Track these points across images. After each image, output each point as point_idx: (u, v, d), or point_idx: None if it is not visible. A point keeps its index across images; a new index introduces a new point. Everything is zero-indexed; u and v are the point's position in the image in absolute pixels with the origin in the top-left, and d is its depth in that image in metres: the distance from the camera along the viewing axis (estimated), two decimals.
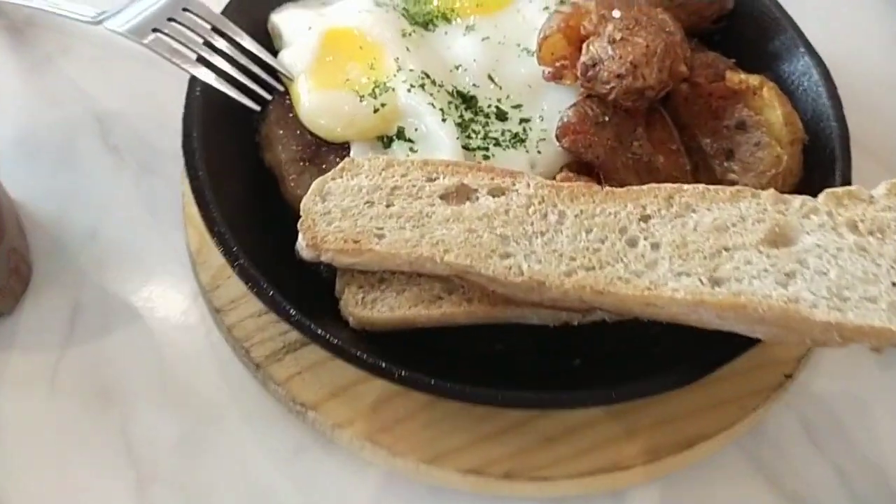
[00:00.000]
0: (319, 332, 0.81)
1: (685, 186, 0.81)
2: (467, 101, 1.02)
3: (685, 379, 0.82)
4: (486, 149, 0.98)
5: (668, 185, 0.82)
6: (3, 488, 0.91)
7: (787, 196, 0.80)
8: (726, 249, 0.77)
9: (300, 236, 0.86)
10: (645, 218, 0.81)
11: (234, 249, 0.86)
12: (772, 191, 0.80)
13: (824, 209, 0.78)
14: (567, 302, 0.79)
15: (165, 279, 1.06)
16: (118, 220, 1.12)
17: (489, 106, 1.02)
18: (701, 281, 0.75)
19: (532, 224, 0.82)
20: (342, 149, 0.99)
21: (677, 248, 0.77)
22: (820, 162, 0.98)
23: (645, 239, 0.79)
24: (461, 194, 0.87)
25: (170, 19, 1.01)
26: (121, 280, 1.06)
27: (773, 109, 0.96)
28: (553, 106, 1.02)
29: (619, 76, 0.94)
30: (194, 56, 0.99)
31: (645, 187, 0.82)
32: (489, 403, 0.82)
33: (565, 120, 0.97)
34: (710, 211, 0.80)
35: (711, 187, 0.81)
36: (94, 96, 1.25)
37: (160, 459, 0.93)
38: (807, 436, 0.97)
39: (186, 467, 0.92)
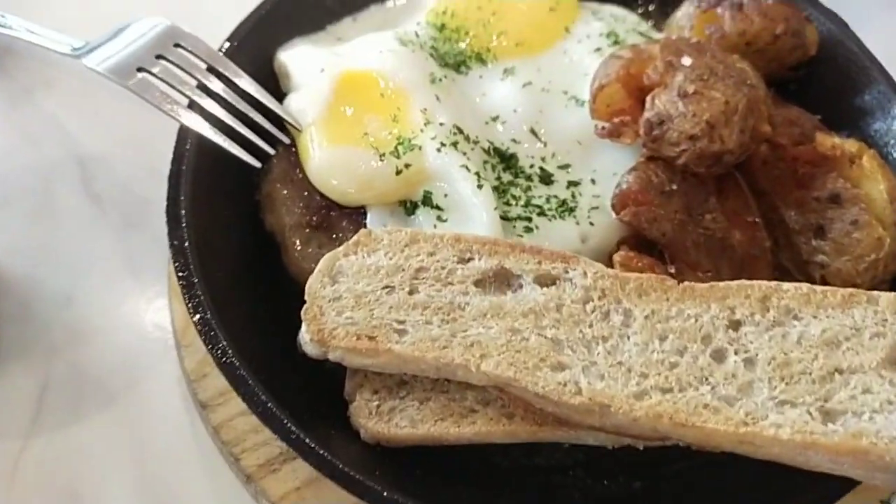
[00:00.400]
0: (322, 453, 0.66)
1: (784, 286, 0.66)
2: (506, 160, 0.88)
3: None
4: (529, 219, 0.84)
5: (763, 283, 0.67)
6: None
7: None
8: (839, 372, 0.61)
9: (303, 327, 0.71)
10: (734, 324, 0.65)
11: (221, 343, 0.72)
12: (893, 295, 0.64)
13: None
14: (635, 430, 0.63)
15: (147, 358, 0.94)
16: (97, 284, 1.00)
17: (531, 166, 0.88)
18: (810, 413, 0.59)
19: (591, 326, 0.67)
20: (357, 214, 0.86)
21: (778, 368, 0.62)
22: None
23: (736, 353, 0.64)
24: (501, 281, 0.72)
25: (158, 56, 0.87)
26: (96, 357, 0.94)
27: (875, 183, 0.81)
28: (608, 167, 0.89)
29: (691, 137, 0.80)
30: (185, 101, 0.85)
31: (734, 284, 0.67)
32: None
33: (624, 187, 0.82)
34: (817, 319, 0.64)
35: (818, 288, 0.66)
36: (76, 137, 1.13)
37: None
38: None
39: None
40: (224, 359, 0.71)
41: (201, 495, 0.84)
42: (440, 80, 0.89)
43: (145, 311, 0.96)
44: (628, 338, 0.66)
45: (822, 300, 0.65)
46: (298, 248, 0.84)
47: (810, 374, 0.61)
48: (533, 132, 0.90)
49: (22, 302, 0.96)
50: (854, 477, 0.61)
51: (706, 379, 0.62)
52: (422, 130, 0.83)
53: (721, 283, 0.68)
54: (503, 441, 0.70)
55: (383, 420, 0.70)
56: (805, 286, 0.66)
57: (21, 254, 1.00)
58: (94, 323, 0.95)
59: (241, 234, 0.88)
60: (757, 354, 0.63)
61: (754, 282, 0.67)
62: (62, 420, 0.89)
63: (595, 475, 0.75)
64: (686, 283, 0.69)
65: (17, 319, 0.95)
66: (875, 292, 0.65)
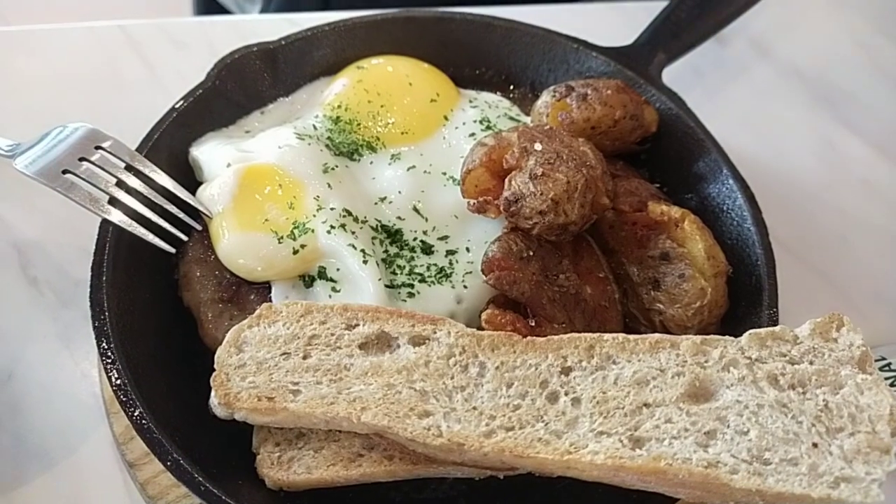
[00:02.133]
0: (226, 500, 0.78)
1: (605, 336, 0.80)
2: (392, 234, 1.01)
3: None
4: (412, 285, 0.97)
5: (589, 336, 0.81)
6: None
7: (706, 344, 0.79)
8: (647, 406, 0.75)
9: (213, 393, 0.82)
10: (566, 370, 0.79)
11: (137, 410, 0.83)
12: (691, 340, 0.79)
13: (744, 361, 0.77)
14: (487, 463, 0.77)
15: (83, 424, 1.03)
16: (35, 359, 1.08)
17: (415, 239, 1.01)
18: (621, 441, 0.73)
19: (452, 378, 0.80)
20: (263, 288, 0.97)
21: (598, 405, 0.76)
22: (746, 291, 0.99)
23: (566, 394, 0.77)
24: (381, 343, 0.85)
25: (81, 158, 0.98)
26: (36, 426, 1.02)
27: (695, 242, 0.96)
28: (479, 237, 1.02)
29: (540, 213, 0.94)
30: (106, 197, 0.96)
31: (566, 337, 0.81)
32: None
33: (489, 255, 0.95)
34: (630, 363, 0.78)
35: (632, 337, 0.80)
36: (13, 225, 1.22)
37: None
38: None
39: None
40: (141, 423, 0.82)
41: None
42: (333, 168, 1.03)
43: (80, 383, 1.05)
44: (482, 386, 0.79)
45: (635, 346, 0.79)
46: (212, 320, 0.95)
47: (623, 408, 0.75)
48: (416, 209, 1.03)
49: None
50: (664, 493, 0.75)
51: (541, 417, 0.76)
52: (314, 215, 0.96)
53: (556, 336, 0.82)
54: (386, 479, 0.82)
55: (283, 468, 0.82)
56: (621, 336, 0.80)
57: None
58: (33, 395, 1.03)
59: (162, 310, 0.98)
60: (582, 395, 0.77)
61: (582, 334, 0.81)
62: (6, 485, 0.96)
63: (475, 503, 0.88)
64: (529, 337, 0.82)
65: None
66: (678, 337, 0.80)
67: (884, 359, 1.10)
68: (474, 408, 0.77)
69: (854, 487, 0.68)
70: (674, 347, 0.79)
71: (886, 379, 1.08)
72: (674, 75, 1.22)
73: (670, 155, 1.14)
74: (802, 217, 1.30)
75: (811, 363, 0.76)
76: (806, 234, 1.27)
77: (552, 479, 0.83)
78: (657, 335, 0.80)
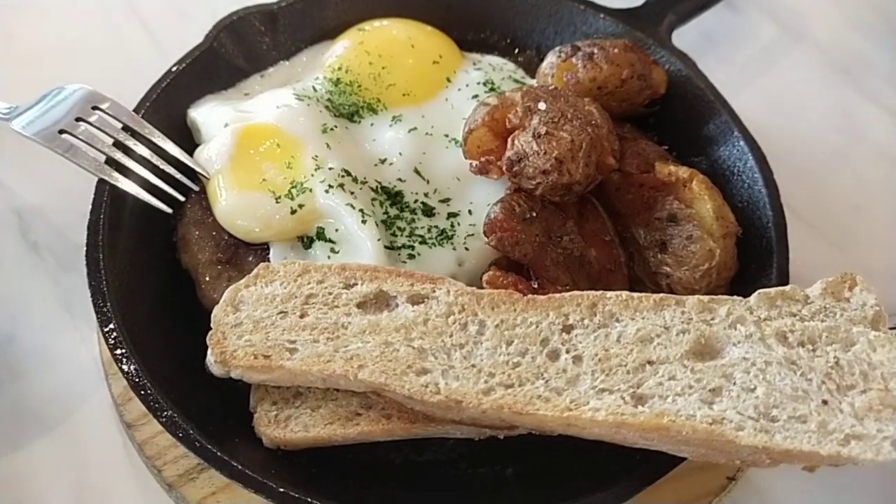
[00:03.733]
0: (224, 458, 0.77)
1: (609, 294, 0.78)
2: (392, 196, 0.99)
3: (622, 495, 0.77)
4: (412, 247, 0.95)
5: (592, 293, 0.79)
6: None
7: (713, 302, 0.76)
8: (650, 363, 0.73)
9: (210, 352, 0.81)
10: (567, 328, 0.77)
11: (133, 369, 0.81)
12: (697, 298, 0.77)
13: (752, 318, 0.75)
14: (486, 421, 0.75)
15: (83, 387, 1.02)
16: (36, 323, 1.08)
17: (415, 201, 1.00)
18: (623, 399, 0.71)
19: (451, 336, 0.78)
20: (261, 250, 0.96)
21: (600, 362, 0.74)
22: (756, 253, 0.96)
23: (567, 352, 0.76)
24: (380, 302, 0.83)
25: (79, 119, 0.97)
26: (36, 389, 1.02)
27: (703, 203, 0.94)
28: (482, 199, 1.00)
29: (544, 172, 0.92)
30: (103, 158, 0.95)
31: (567, 295, 0.79)
32: None
33: (492, 216, 0.93)
34: (633, 321, 0.76)
35: (635, 295, 0.78)
36: (14, 190, 1.21)
37: None
38: None
39: None
40: (135, 379, 0.81)
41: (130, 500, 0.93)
42: (332, 129, 1.01)
43: (80, 346, 1.04)
44: (481, 344, 0.77)
45: (639, 304, 0.77)
46: (210, 282, 0.94)
47: (625, 366, 0.73)
48: (417, 171, 1.01)
49: None
50: (666, 451, 0.73)
51: (542, 374, 0.74)
52: (312, 175, 0.94)
53: (558, 295, 0.80)
54: (384, 438, 0.81)
55: (280, 427, 0.81)
56: (625, 294, 0.78)
57: None
58: (33, 359, 1.04)
59: (159, 272, 0.97)
60: (584, 352, 0.75)
61: (585, 292, 0.79)
62: (6, 446, 0.97)
63: (475, 465, 0.86)
64: (530, 295, 0.81)
65: None
66: (683, 296, 0.78)
67: None
68: (473, 365, 0.76)
69: (865, 445, 0.65)
70: (679, 305, 0.77)
71: None
72: (685, 42, 1.19)
73: (680, 118, 1.12)
74: (815, 185, 1.27)
75: (822, 321, 0.73)
76: (819, 201, 1.24)
77: (553, 439, 0.81)
78: (661, 294, 0.78)
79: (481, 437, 0.81)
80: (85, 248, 0.91)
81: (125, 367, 0.82)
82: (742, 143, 1.04)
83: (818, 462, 0.67)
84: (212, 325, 0.83)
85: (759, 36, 1.47)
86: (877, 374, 0.69)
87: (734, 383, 0.71)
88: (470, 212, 1.00)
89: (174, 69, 1.06)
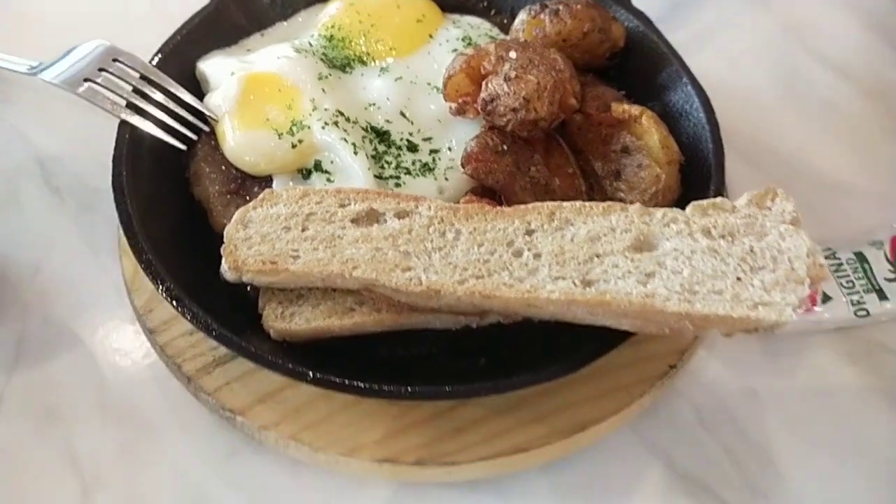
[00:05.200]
0: (237, 341, 0.90)
1: (565, 204, 0.91)
2: (381, 135, 1.12)
3: (565, 369, 0.91)
4: (398, 178, 1.08)
5: (551, 203, 0.92)
6: None
7: (651, 209, 0.90)
8: (598, 256, 0.87)
9: (223, 260, 0.94)
10: (530, 232, 0.90)
11: (161, 273, 0.94)
12: (638, 205, 0.90)
13: (683, 219, 0.88)
14: (461, 307, 0.89)
15: (104, 307, 1.15)
16: (60, 256, 1.20)
17: (401, 139, 1.12)
18: (574, 283, 0.84)
19: (431, 241, 0.91)
20: (266, 181, 1.09)
21: (556, 257, 0.87)
22: (698, 179, 1.09)
23: (528, 250, 0.89)
24: (370, 218, 0.96)
25: (101, 69, 1.10)
26: (63, 310, 1.15)
27: (651, 135, 1.07)
28: (460, 137, 1.12)
29: (513, 110, 1.05)
30: (124, 102, 1.08)
31: (530, 206, 0.92)
32: (396, 397, 0.90)
33: (468, 150, 1.06)
34: (585, 224, 0.90)
35: (588, 203, 0.91)
36: (36, 142, 1.34)
37: (103, 470, 1.01)
38: (698, 420, 1.07)
39: (128, 475, 1.01)
40: (164, 285, 0.94)
41: (154, 400, 1.05)
42: (327, 76, 1.14)
43: (100, 275, 1.16)
44: (457, 246, 0.90)
45: (590, 210, 0.90)
46: (221, 210, 1.07)
47: (577, 258, 0.86)
48: (402, 114, 1.14)
49: None
50: (609, 325, 0.86)
51: (506, 267, 0.87)
52: (310, 114, 1.07)
53: (522, 206, 0.93)
54: (374, 329, 0.94)
55: (286, 321, 0.94)
56: (579, 203, 0.91)
57: None
58: (59, 286, 1.15)
59: (175, 205, 1.10)
60: (542, 250, 0.88)
61: (545, 203, 0.92)
62: (38, 359, 1.08)
63: (452, 357, 0.98)
64: (499, 207, 0.94)
65: None
66: (627, 204, 0.91)
67: (829, 249, 1.22)
68: (450, 263, 0.89)
69: (770, 310, 0.79)
70: (623, 211, 0.90)
71: (831, 266, 1.20)
72: (650, 6, 1.31)
73: (636, 69, 1.25)
74: (762, 131, 1.40)
75: (742, 219, 0.87)
76: (765, 146, 1.37)
77: (518, 333, 0.95)
78: (609, 202, 0.91)
79: (457, 326, 0.94)
80: (111, 177, 1.03)
81: (152, 271, 0.95)
82: (689, 87, 1.17)
83: (731, 326, 0.80)
84: (224, 240, 0.96)
85: (719, 2, 1.61)
86: (784, 257, 0.83)
87: (665, 268, 0.84)
88: (449, 148, 1.13)
89: (184, 26, 1.19)
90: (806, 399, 1.11)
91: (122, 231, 1.04)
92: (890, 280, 1.20)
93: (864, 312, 1.17)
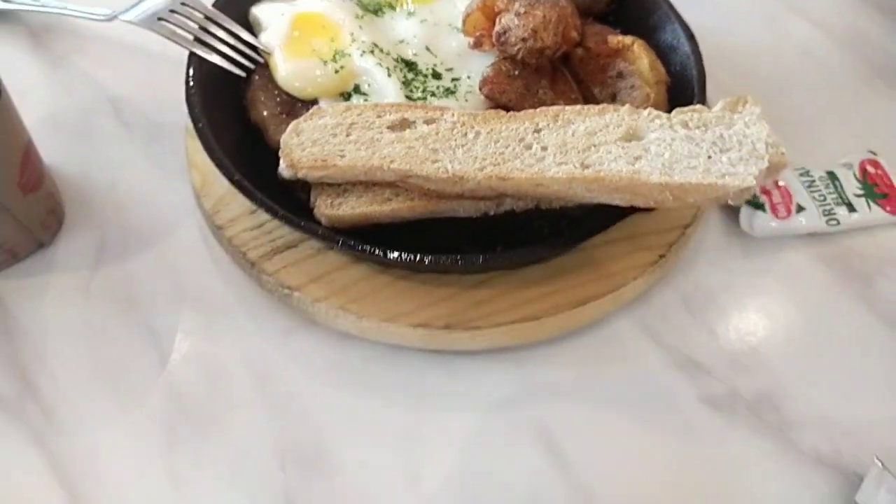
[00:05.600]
0: (297, 220, 1.09)
1: (567, 107, 1.09)
2: (409, 65, 1.30)
3: (568, 241, 1.09)
4: (425, 99, 1.26)
5: (556, 107, 1.10)
6: (53, 376, 1.16)
7: (639, 109, 1.08)
8: (594, 146, 1.04)
9: (281, 161, 1.12)
10: (538, 130, 1.08)
11: (232, 168, 1.13)
12: (628, 106, 1.08)
13: (667, 117, 1.06)
14: (481, 191, 1.07)
15: (174, 216, 1.31)
16: (133, 175, 1.37)
17: (427, 69, 1.30)
18: (574, 166, 1.02)
19: (455, 140, 1.09)
20: (312, 103, 1.27)
21: (559, 147, 1.05)
22: (683, 100, 1.27)
23: (537, 143, 1.07)
24: (403, 125, 1.13)
25: (172, 11, 1.29)
26: (138, 219, 1.31)
27: (641, 60, 1.25)
28: (477, 68, 1.30)
29: (523, 39, 1.23)
30: (192, 37, 1.27)
31: (538, 110, 1.10)
32: (424, 269, 1.08)
33: (485, 75, 1.25)
34: (584, 122, 1.07)
35: (586, 106, 1.09)
36: (106, 85, 1.51)
37: (178, 344, 1.18)
38: (685, 307, 1.25)
39: (200, 349, 1.18)
40: (235, 178, 1.13)
41: (220, 288, 1.23)
42: (362, 16, 1.33)
43: (168, 192, 1.32)
44: (477, 143, 1.08)
45: (588, 111, 1.08)
46: (275, 129, 1.25)
47: (577, 148, 1.05)
48: (427, 49, 1.32)
49: (79, 189, 1.32)
50: (605, 201, 1.03)
51: (518, 157, 1.05)
52: (350, 45, 1.26)
53: (531, 110, 1.11)
54: (408, 216, 1.11)
55: (335, 209, 1.12)
56: (579, 106, 1.09)
57: (73, 162, 1.36)
58: (133, 198, 1.31)
59: (234, 126, 1.28)
60: (548, 144, 1.06)
61: (551, 107, 1.10)
62: (118, 258, 1.24)
63: (473, 245, 1.14)
64: (512, 112, 1.12)
65: (77, 200, 1.31)
66: (619, 105, 1.09)
67: (803, 167, 1.39)
68: (471, 155, 1.07)
69: (735, 178, 0.96)
70: (616, 111, 1.08)
71: (804, 181, 1.38)
72: None
73: (633, 14, 1.43)
74: (744, 70, 1.56)
75: (715, 115, 1.05)
76: (747, 81, 1.53)
77: (530, 218, 1.13)
78: (604, 104, 1.09)
79: (478, 213, 1.12)
80: (185, 93, 1.22)
81: (224, 167, 1.13)
82: (677, 26, 1.35)
83: (704, 194, 0.97)
84: (281, 146, 1.14)
85: None
86: (748, 140, 1.00)
87: (650, 152, 1.02)
88: (469, 77, 1.30)
89: None
90: (781, 291, 1.29)
91: (190, 152, 1.23)
92: (858, 195, 1.37)
93: (834, 222, 1.34)
